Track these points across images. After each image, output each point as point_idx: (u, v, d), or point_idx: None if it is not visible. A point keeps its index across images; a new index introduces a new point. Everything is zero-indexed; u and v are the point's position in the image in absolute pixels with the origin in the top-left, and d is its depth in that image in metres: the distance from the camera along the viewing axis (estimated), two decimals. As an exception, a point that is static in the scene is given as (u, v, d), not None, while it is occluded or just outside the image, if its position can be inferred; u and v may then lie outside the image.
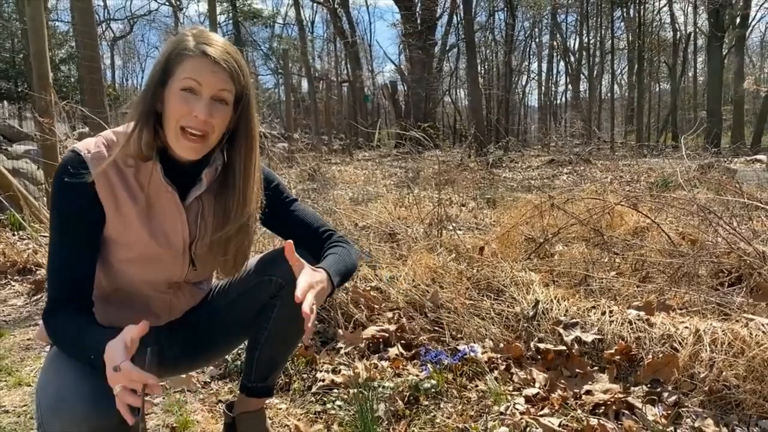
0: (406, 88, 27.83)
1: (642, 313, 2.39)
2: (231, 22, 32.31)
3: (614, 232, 3.94)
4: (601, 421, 1.91)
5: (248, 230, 1.61)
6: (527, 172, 12.45)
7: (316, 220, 1.74)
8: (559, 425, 1.92)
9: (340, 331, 2.65)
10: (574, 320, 2.42)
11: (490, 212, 6.45)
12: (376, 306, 2.81)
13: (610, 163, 12.99)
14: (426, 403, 2.07)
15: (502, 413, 1.99)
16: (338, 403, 2.14)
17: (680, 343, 2.19)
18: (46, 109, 5.59)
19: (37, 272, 4.27)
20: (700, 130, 11.51)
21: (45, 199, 6.02)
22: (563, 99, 37.14)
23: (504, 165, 13.79)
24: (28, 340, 3.08)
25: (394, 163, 12.87)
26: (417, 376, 2.24)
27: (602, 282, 3.08)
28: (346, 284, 2.92)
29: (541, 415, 1.98)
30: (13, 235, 5.25)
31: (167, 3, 34.10)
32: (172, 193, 1.51)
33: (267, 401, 2.02)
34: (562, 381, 2.20)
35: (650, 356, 2.19)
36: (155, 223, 1.51)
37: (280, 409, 2.20)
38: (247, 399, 1.85)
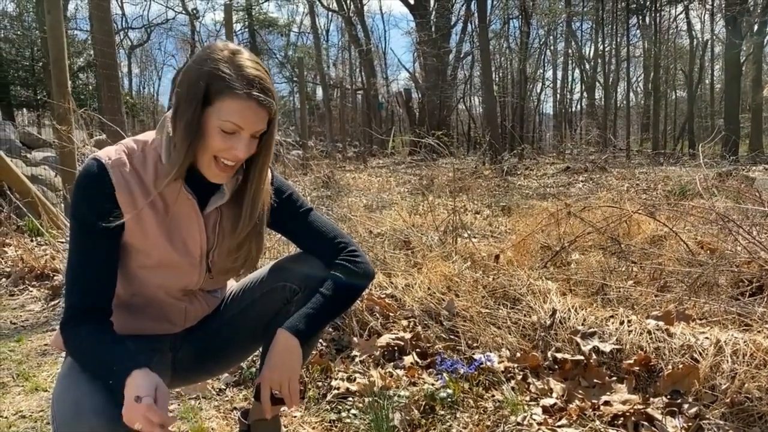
0: (420, 95, 27.87)
1: (661, 323, 2.35)
2: (247, 30, 32.55)
3: (631, 241, 3.90)
4: (620, 432, 1.88)
5: (258, 234, 1.61)
6: (542, 180, 12.39)
7: (331, 230, 1.73)
8: (577, 436, 1.89)
9: (354, 338, 2.63)
10: (591, 330, 2.39)
11: (504, 220, 6.42)
12: (391, 314, 2.80)
13: (626, 171, 12.91)
14: (442, 412, 2.05)
15: (519, 424, 1.96)
16: (353, 411, 2.12)
17: (701, 353, 2.16)
18: (64, 116, 5.66)
19: (55, 278, 4.30)
20: (718, 138, 11.40)
21: (63, 205, 6.07)
22: (578, 107, 36.97)
23: (519, 173, 13.74)
24: (45, 345, 3.09)
25: (408, 171, 12.86)
26: (432, 385, 2.22)
27: (620, 291, 3.05)
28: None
29: (559, 426, 1.95)
30: (31, 240, 5.30)
31: (184, 12, 34.44)
32: (191, 201, 1.51)
33: (282, 409, 2.00)
34: (580, 391, 2.17)
35: (670, 367, 2.15)
36: (174, 230, 1.52)
37: (295, 417, 2.18)
38: (262, 406, 1.84)
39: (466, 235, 4.45)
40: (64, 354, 1.62)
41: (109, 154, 1.44)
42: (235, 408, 2.25)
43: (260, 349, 1.89)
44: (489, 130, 14.57)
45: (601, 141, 16.88)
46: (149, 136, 1.51)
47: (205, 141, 1.39)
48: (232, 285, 1.84)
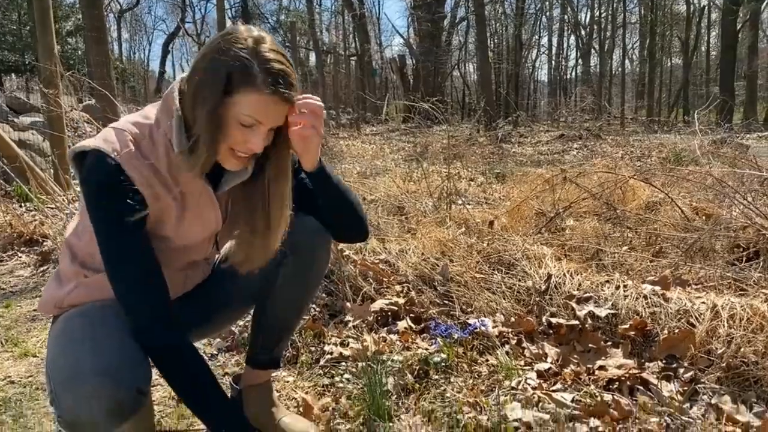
0: (414, 61, 27.55)
1: (657, 288, 2.33)
2: (238, -6, 31.95)
3: (626, 207, 3.86)
4: (615, 396, 1.87)
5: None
6: (537, 147, 12.33)
7: None
8: (572, 401, 1.88)
9: (348, 304, 2.61)
10: (587, 294, 2.37)
11: (499, 187, 6.38)
12: (384, 279, 2.77)
13: (621, 138, 12.85)
14: (436, 377, 2.04)
15: (513, 388, 1.95)
16: (347, 376, 2.10)
17: (697, 318, 2.14)
18: (51, 79, 5.54)
19: (44, 243, 4.25)
20: (713, 105, 11.34)
21: (52, 171, 5.98)
22: (573, 74, 36.72)
23: (513, 140, 13.66)
24: (34, 311, 3.06)
25: (402, 138, 12.77)
26: (426, 349, 2.20)
27: (615, 257, 3.03)
28: (354, 257, 2.87)
29: (554, 390, 1.94)
30: (20, 206, 5.23)
31: (174, -25, 33.73)
32: (206, 187, 1.47)
33: (274, 374, 1.98)
34: (575, 356, 2.15)
35: (666, 331, 2.14)
36: (190, 216, 1.49)
37: (288, 382, 2.16)
38: (254, 371, 1.82)
39: (460, 202, 4.42)
40: (52, 318, 1.59)
41: (114, 146, 1.34)
42: (227, 373, 2.22)
43: (252, 312, 1.86)
44: (484, 96, 14.44)
45: (596, 108, 16.77)
46: (150, 115, 1.42)
47: (225, 133, 1.33)
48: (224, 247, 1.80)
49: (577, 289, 2.42)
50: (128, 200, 1.34)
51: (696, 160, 5.75)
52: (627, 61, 34.43)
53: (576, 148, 11.56)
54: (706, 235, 2.98)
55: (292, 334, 1.90)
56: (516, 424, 1.71)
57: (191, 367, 1.44)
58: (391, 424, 1.83)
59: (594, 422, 1.71)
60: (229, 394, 1.89)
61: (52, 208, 4.83)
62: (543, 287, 2.47)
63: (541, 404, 1.85)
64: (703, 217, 3.51)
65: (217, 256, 1.79)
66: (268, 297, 1.73)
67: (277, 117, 1.35)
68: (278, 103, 1.32)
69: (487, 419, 1.75)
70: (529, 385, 1.98)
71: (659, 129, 16.89)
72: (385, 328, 2.47)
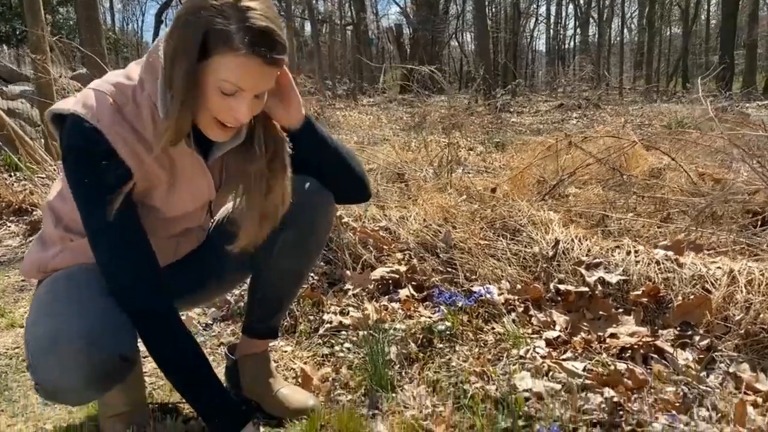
0: (411, 30, 27.16)
1: (670, 253, 2.24)
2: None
3: (632, 173, 3.76)
4: (629, 365, 1.78)
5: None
6: (536, 117, 12.17)
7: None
8: (584, 370, 1.79)
9: (347, 272, 2.51)
10: (597, 260, 2.27)
11: (499, 156, 6.26)
12: (385, 247, 2.67)
13: (620, 108, 12.68)
14: (440, 345, 1.95)
15: (522, 357, 1.86)
16: (347, 345, 2.02)
17: (713, 284, 2.05)
18: (38, 44, 5.38)
19: (33, 213, 4.14)
20: (712, 75, 11.17)
21: (42, 140, 5.85)
22: (572, 43, 36.29)
23: (512, 110, 13.50)
24: (22, 281, 2.96)
25: (399, 108, 12.58)
26: (430, 318, 2.11)
27: (621, 223, 2.93)
28: (353, 224, 2.77)
29: (564, 359, 1.85)
30: (9, 176, 5.10)
31: (165, -58, 33.00)
32: (196, 155, 1.37)
33: (271, 344, 1.90)
34: (585, 324, 2.07)
35: (680, 298, 2.05)
36: (180, 186, 1.39)
37: (286, 352, 2.08)
38: (250, 341, 1.73)
39: (460, 171, 4.31)
40: (36, 283, 1.50)
41: (93, 110, 1.23)
42: (222, 343, 2.13)
43: (247, 281, 1.77)
44: (482, 65, 14.23)
45: (595, 77, 16.56)
46: (134, 75, 1.29)
47: (203, 100, 1.20)
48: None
49: (586, 255, 2.32)
50: (109, 168, 1.25)
51: (699, 126, 5.64)
52: (626, 31, 34.05)
53: (575, 118, 11.41)
54: (718, 199, 2.88)
55: (291, 303, 1.80)
56: (526, 394, 1.63)
57: (177, 339, 1.35)
58: (394, 394, 1.74)
59: (608, 392, 1.62)
60: (224, 365, 1.81)
61: (41, 178, 4.70)
62: (550, 253, 2.37)
63: (551, 373, 1.77)
64: (711, 183, 3.41)
65: (211, 222, 1.69)
66: (266, 264, 1.63)
67: (260, 81, 1.21)
68: (261, 66, 1.17)
69: (496, 389, 1.67)
70: (537, 353, 1.89)
71: (658, 98, 16.70)
72: (386, 297, 2.38)
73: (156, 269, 1.37)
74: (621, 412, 1.57)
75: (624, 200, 3.29)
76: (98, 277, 1.34)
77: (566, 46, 36.14)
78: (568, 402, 1.60)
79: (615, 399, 1.60)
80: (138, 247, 1.34)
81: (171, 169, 1.36)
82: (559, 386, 1.68)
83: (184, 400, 1.74)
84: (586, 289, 2.18)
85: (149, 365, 1.99)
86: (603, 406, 1.57)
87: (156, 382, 1.90)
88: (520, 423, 1.49)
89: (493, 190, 3.45)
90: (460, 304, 2.09)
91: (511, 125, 10.09)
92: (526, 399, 1.61)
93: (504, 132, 8.72)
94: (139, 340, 1.34)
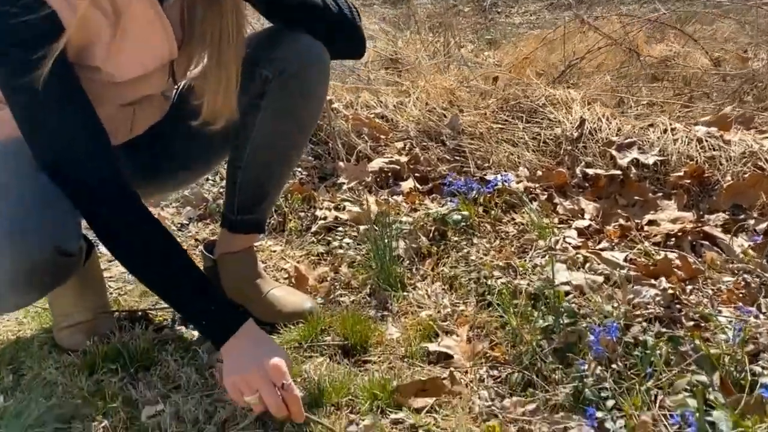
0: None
1: (714, 129, 1.95)
2: None
3: (648, 55, 3.41)
4: (677, 254, 1.52)
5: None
6: (524, 17, 11.59)
7: None
8: (625, 260, 1.53)
9: (341, 163, 2.20)
10: (629, 140, 1.98)
11: (492, 53, 5.86)
12: (382, 136, 2.35)
13: (612, 6, 12.10)
14: (455, 239, 1.67)
15: (551, 248, 1.59)
16: (347, 240, 1.73)
17: (767, 161, 1.77)
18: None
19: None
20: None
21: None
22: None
23: (499, 10, 12.86)
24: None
25: (382, 8, 11.90)
26: (439, 210, 1.81)
27: (640, 108, 2.62)
28: (346, 112, 2.44)
29: (601, 249, 1.59)
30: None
31: None
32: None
33: (257, 243, 1.62)
34: (619, 211, 1.80)
35: (729, 178, 1.78)
36: (130, 39, 1.07)
37: (274, 252, 1.80)
38: (231, 236, 1.43)
39: (455, 63, 3.93)
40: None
41: None
42: (197, 239, 1.85)
43: (225, 163, 1.46)
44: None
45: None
46: None
47: None
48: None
49: (617, 135, 2.03)
50: (29, 15, 0.93)
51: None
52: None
53: (568, 18, 10.87)
54: (749, 77, 2.57)
55: (278, 193, 1.50)
56: (566, 287, 1.36)
57: (141, 220, 1.06)
58: (405, 293, 1.48)
59: (662, 283, 1.37)
60: (202, 267, 1.52)
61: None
62: (575, 134, 2.07)
63: (588, 265, 1.50)
64: (736, 63, 3.09)
65: (175, 89, 1.36)
66: (247, 138, 1.32)
67: None
68: None
69: (527, 284, 1.40)
70: (569, 244, 1.62)
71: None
72: (386, 191, 2.08)
73: (105, 138, 1.07)
74: (678, 306, 1.33)
75: (643, 83, 2.97)
76: (28, 153, 1.03)
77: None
78: (613, 296, 1.35)
79: (670, 291, 1.34)
80: (79, 111, 1.04)
81: (115, 17, 1.03)
82: (600, 279, 1.42)
83: (155, 307, 1.48)
84: (618, 172, 1.90)
85: (116, 269, 1.71)
86: (658, 298, 1.31)
87: (123, 288, 1.62)
88: (564, 320, 1.23)
89: (495, 79, 3.11)
90: (474, 193, 1.80)
91: (500, 24, 9.57)
92: (566, 294, 1.35)
93: (495, 30, 8.24)
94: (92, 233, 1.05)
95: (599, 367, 1.13)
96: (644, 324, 1.21)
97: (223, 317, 1.07)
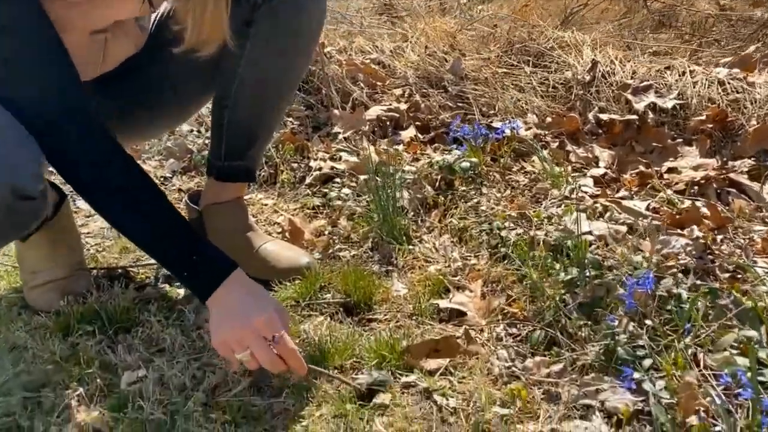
0: None
1: (736, 71, 1.82)
2: None
3: None
4: (703, 202, 1.41)
5: None
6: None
7: None
8: (647, 209, 1.41)
9: (336, 111, 2.05)
10: (645, 83, 1.84)
11: (487, 6, 5.66)
12: (378, 83, 2.20)
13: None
14: (463, 188, 1.54)
15: (566, 197, 1.47)
16: (345, 191, 1.60)
17: (796, 103, 1.65)
18: None
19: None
20: None
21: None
22: None
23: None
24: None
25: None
26: (445, 158, 1.68)
27: (648, 56, 2.48)
28: (339, 57, 2.28)
29: (621, 198, 1.47)
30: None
31: None
32: None
33: (247, 196, 1.48)
34: (636, 158, 1.67)
35: (755, 122, 1.65)
36: None
37: (266, 205, 1.67)
38: (219, 185, 1.30)
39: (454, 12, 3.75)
40: None
41: None
42: (181, 190, 1.72)
43: (210, 107, 1.32)
44: None
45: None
46: None
47: None
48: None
49: (631, 78, 1.89)
50: None
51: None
52: None
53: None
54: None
55: (271, 135, 1.36)
56: (590, 237, 1.24)
57: (116, 156, 0.92)
58: (410, 246, 1.36)
59: (693, 231, 1.25)
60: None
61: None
62: (587, 78, 1.93)
63: (608, 215, 1.38)
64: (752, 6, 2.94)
65: (153, 18, 1.21)
66: (235, 73, 1.18)
67: None
68: None
69: (545, 235, 1.28)
70: (585, 193, 1.50)
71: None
72: (385, 140, 1.94)
73: (71, 67, 0.93)
74: (710, 256, 1.21)
75: (648, 30, 2.82)
76: None
77: None
78: (639, 247, 1.23)
79: (701, 240, 1.23)
80: (40, 36, 0.90)
81: None
82: (623, 228, 1.30)
83: (137, 264, 1.35)
84: (634, 117, 1.78)
85: (94, 224, 1.58)
86: (689, 248, 1.20)
87: (102, 243, 1.49)
88: (591, 272, 1.12)
89: (495, 27, 2.95)
90: (480, 138, 1.66)
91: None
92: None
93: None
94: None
95: (631, 323, 1.02)
96: (678, 276, 1.10)
97: (208, 266, 0.94)
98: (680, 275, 1.11)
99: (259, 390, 0.97)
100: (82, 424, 0.90)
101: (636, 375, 0.91)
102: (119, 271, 1.35)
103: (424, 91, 2.11)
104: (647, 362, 0.95)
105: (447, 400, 0.94)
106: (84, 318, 1.14)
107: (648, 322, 1.02)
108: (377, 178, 1.48)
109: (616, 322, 1.02)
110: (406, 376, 0.99)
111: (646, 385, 0.91)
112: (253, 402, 0.95)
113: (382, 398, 0.95)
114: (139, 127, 1.29)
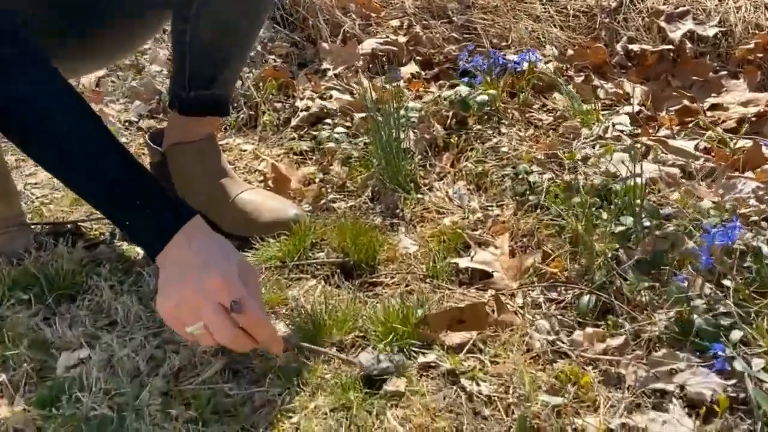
0: None
1: (787, -7, 1.59)
2: None
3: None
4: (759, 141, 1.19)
5: None
6: None
7: None
8: (696, 149, 1.20)
9: (324, 45, 1.80)
10: (682, 9, 1.61)
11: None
12: (372, 14, 1.94)
13: None
14: (478, 127, 1.31)
15: (600, 137, 1.25)
16: (339, 130, 1.36)
17: None
18: None
19: None
20: None
21: None
22: None
23: None
24: None
25: None
26: (458, 91, 1.44)
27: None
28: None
29: (665, 137, 1.25)
30: None
31: None
32: None
33: (222, 139, 1.25)
34: (674, 93, 1.45)
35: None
36: None
37: (245, 151, 1.44)
38: (184, 120, 1.06)
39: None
40: None
41: None
42: (141, 129, 1.48)
43: (169, 28, 1.07)
44: None
45: None
46: None
47: None
48: None
49: (664, 3, 1.65)
50: None
51: None
52: None
53: None
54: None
55: (244, 57, 1.12)
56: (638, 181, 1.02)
57: (51, 85, 0.70)
58: (419, 195, 1.13)
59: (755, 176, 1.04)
60: (148, 162, 1.16)
61: None
62: (613, 4, 1.69)
63: (652, 156, 1.16)
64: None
65: None
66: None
67: None
68: None
69: (584, 179, 1.06)
70: (621, 132, 1.28)
71: None
72: (383, 77, 1.70)
73: None
74: (783, 202, 1.00)
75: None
76: None
77: None
78: (694, 191, 1.02)
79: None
80: None
81: None
82: (675, 171, 1.09)
83: (89, 218, 1.12)
84: (669, 47, 1.55)
85: (43, 174, 1.34)
86: (761, 192, 0.99)
87: (50, 195, 1.25)
88: (650, 222, 0.90)
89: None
90: (498, 70, 1.43)
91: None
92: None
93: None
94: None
95: (707, 285, 0.81)
96: (761, 224, 0.89)
97: (155, 214, 0.71)
98: (763, 223, 0.89)
99: (235, 374, 0.76)
100: (0, 423, 0.68)
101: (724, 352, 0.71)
102: (68, 226, 1.12)
103: (425, 22, 1.86)
104: (736, 334, 0.74)
105: (478, 385, 0.74)
106: (18, 284, 0.92)
107: (727, 282, 0.81)
108: (378, 115, 1.25)
109: (685, 284, 0.81)
110: (424, 354, 0.78)
111: (738, 364, 0.70)
112: (227, 391, 0.73)
113: (395, 384, 0.73)
114: (85, 50, 1.04)
